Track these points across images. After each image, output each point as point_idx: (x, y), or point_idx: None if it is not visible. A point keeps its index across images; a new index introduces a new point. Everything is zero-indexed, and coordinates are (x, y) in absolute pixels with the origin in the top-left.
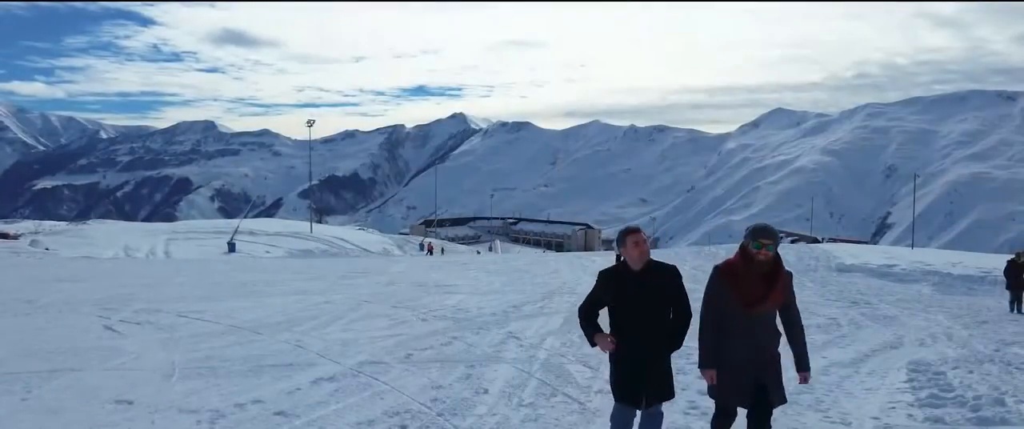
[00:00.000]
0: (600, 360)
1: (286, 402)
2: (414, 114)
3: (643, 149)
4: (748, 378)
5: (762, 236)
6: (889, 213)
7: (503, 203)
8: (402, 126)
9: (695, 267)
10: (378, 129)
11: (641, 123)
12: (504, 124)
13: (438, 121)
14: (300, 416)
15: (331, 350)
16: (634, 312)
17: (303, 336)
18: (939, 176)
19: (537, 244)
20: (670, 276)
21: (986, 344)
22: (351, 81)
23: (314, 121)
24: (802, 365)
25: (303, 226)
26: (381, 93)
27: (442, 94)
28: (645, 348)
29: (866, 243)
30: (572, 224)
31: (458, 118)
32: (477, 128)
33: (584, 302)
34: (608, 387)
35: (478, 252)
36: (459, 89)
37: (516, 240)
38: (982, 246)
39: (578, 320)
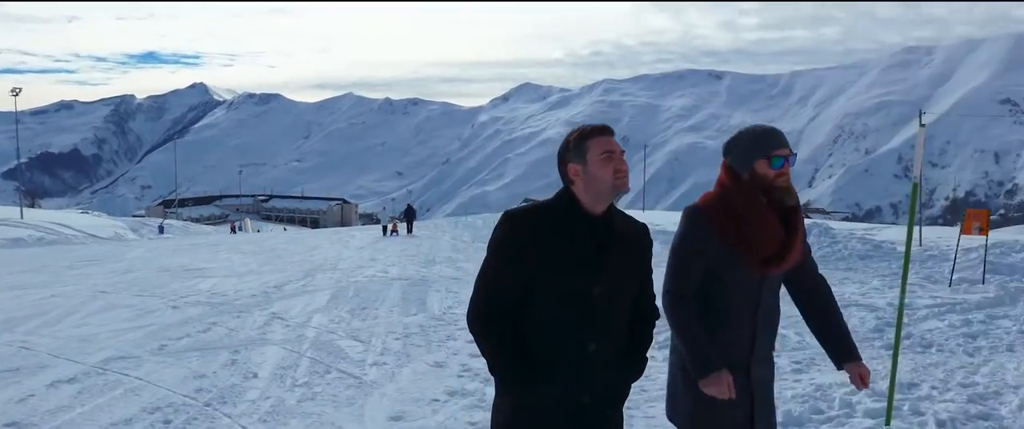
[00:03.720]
0: (372, 333)
1: (18, 411)
2: (145, 83)
3: (398, 122)
4: (743, 402)
5: (780, 145)
6: None
7: (252, 179)
8: (132, 96)
9: (454, 237)
10: (102, 100)
11: (396, 96)
12: (252, 96)
13: (175, 91)
14: (39, 425)
15: (67, 348)
16: (582, 303)
17: (28, 336)
18: (663, 146)
19: (291, 221)
20: (641, 238)
21: None
22: (64, 44)
23: (20, 90)
24: (850, 354)
25: (12, 212)
26: (103, 59)
27: (177, 62)
28: (594, 379)
29: None
30: (328, 199)
31: (198, 88)
32: (221, 100)
33: (480, 299)
34: (383, 360)
35: (234, 231)
36: (197, 57)
37: (268, 218)
38: None
39: (486, 340)
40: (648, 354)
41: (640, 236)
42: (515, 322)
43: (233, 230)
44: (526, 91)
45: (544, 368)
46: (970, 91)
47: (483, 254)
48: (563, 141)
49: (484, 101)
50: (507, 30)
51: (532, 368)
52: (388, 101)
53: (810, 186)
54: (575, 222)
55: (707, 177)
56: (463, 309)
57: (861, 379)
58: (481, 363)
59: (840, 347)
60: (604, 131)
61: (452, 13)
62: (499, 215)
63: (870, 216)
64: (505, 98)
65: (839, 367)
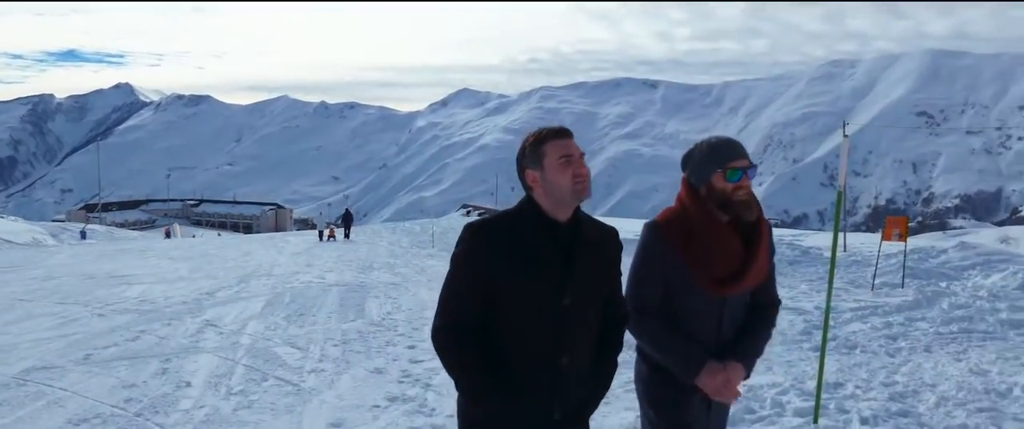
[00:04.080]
0: (310, 340)
1: None
2: (66, 82)
3: (334, 126)
4: (700, 421)
5: (736, 156)
6: None
7: (182, 184)
8: (51, 96)
9: (392, 243)
10: (18, 99)
11: (332, 99)
12: (181, 97)
13: (99, 91)
14: None
15: None
16: (552, 315)
17: None
18: (600, 152)
19: (223, 226)
20: (609, 244)
21: None
22: None
23: None
24: (743, 354)
25: None
26: (19, 56)
27: (100, 61)
28: (567, 393)
29: None
30: (261, 204)
31: (124, 89)
32: (148, 101)
33: (444, 313)
34: (322, 366)
35: (168, 236)
36: (121, 56)
37: (199, 223)
38: (634, 213)
39: (452, 355)
40: (617, 359)
41: (608, 241)
42: (482, 337)
43: (168, 235)
44: (464, 96)
45: (513, 383)
46: (890, 104)
47: (421, 260)
48: (520, 145)
49: (422, 106)
50: (445, 35)
51: (501, 383)
52: (324, 104)
53: None
54: (539, 231)
55: (643, 184)
56: (402, 315)
57: (732, 380)
58: (421, 369)
59: (743, 347)
60: (561, 134)
61: (390, 16)
62: (436, 219)
63: (798, 223)
64: (443, 103)
65: (730, 358)
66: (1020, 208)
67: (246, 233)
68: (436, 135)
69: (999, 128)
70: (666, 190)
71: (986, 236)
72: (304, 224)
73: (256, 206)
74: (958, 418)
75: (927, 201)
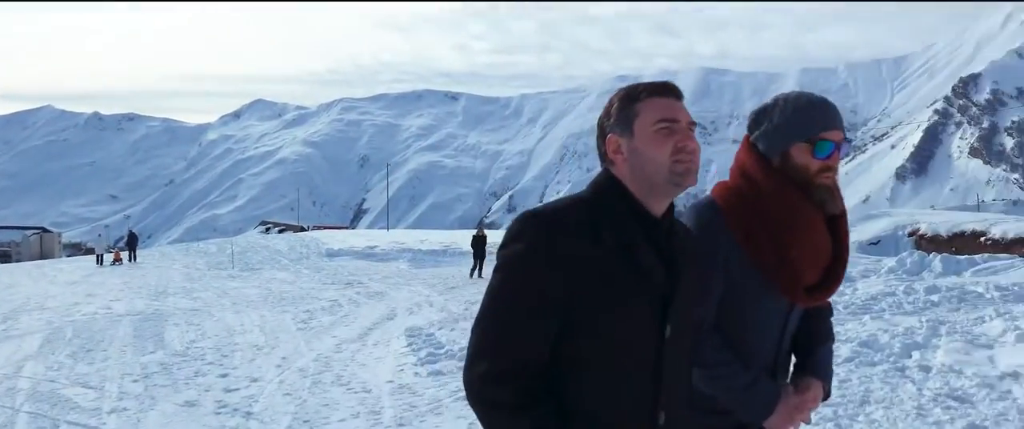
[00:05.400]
0: (103, 377)
1: None
2: None
3: (111, 140)
4: None
5: (832, 124)
6: (364, 199)
7: None
8: None
9: (187, 265)
10: None
11: (106, 110)
12: None
13: None
14: None
15: None
16: (650, 352)
17: None
18: (403, 164)
19: None
20: (692, 248)
21: (458, 305)
22: None
23: None
24: (822, 370)
25: None
26: None
27: None
28: None
29: (347, 228)
30: (22, 228)
31: None
32: None
33: (489, 353)
34: (123, 405)
35: None
36: None
37: None
38: (439, 224)
39: (517, 419)
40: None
41: (692, 244)
42: (547, 388)
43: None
44: (259, 108)
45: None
46: None
47: (222, 282)
48: (607, 103)
49: (212, 118)
50: (235, 43)
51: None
52: (97, 115)
53: (541, 201)
54: (631, 226)
55: (446, 195)
56: (209, 342)
57: (811, 400)
58: (238, 397)
59: (818, 364)
60: (665, 90)
61: (171, 21)
62: (233, 238)
63: None
64: (236, 115)
65: (806, 375)
66: None
67: (3, 262)
68: (229, 148)
69: None
70: (470, 201)
71: None
72: (76, 249)
73: (16, 230)
74: None
75: None
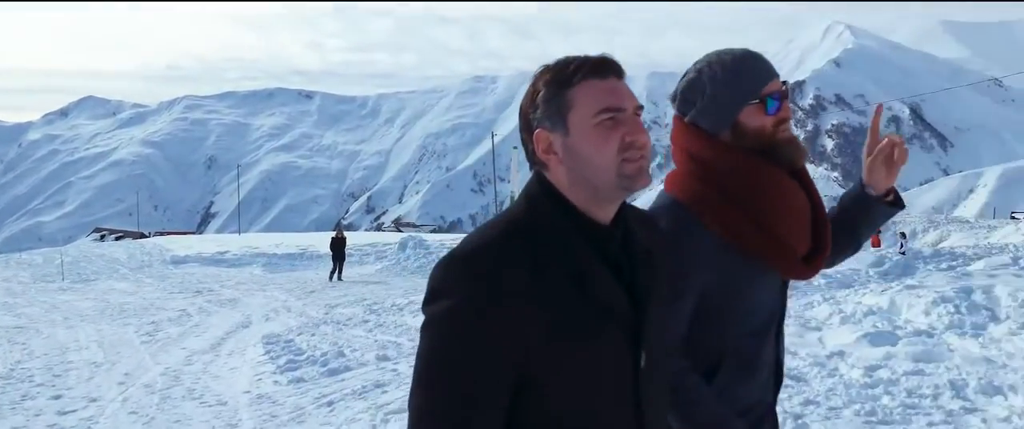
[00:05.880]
0: None
1: None
2: None
3: None
4: None
5: (770, 75)
6: (212, 202)
7: None
8: None
9: (8, 279)
10: None
11: None
12: None
13: None
14: None
15: None
16: (624, 388)
17: None
18: (254, 166)
19: None
20: (657, 244)
21: (318, 309)
22: None
23: None
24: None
25: None
26: None
27: None
28: None
29: (194, 234)
30: None
31: None
32: None
33: (453, 399)
34: None
35: None
36: None
37: None
38: (294, 227)
39: None
40: None
41: (656, 244)
42: None
43: None
44: (90, 105)
45: None
46: None
47: (51, 296)
48: (529, 86)
49: (35, 115)
50: (61, 34)
51: None
52: None
53: (400, 202)
54: (578, 248)
55: (301, 198)
56: (37, 362)
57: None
58: (75, 419)
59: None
60: (603, 69)
61: None
62: (63, 247)
63: (453, 227)
64: (63, 113)
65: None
66: None
67: None
68: (55, 149)
69: None
70: (327, 202)
71: None
72: None
73: None
74: None
75: None
